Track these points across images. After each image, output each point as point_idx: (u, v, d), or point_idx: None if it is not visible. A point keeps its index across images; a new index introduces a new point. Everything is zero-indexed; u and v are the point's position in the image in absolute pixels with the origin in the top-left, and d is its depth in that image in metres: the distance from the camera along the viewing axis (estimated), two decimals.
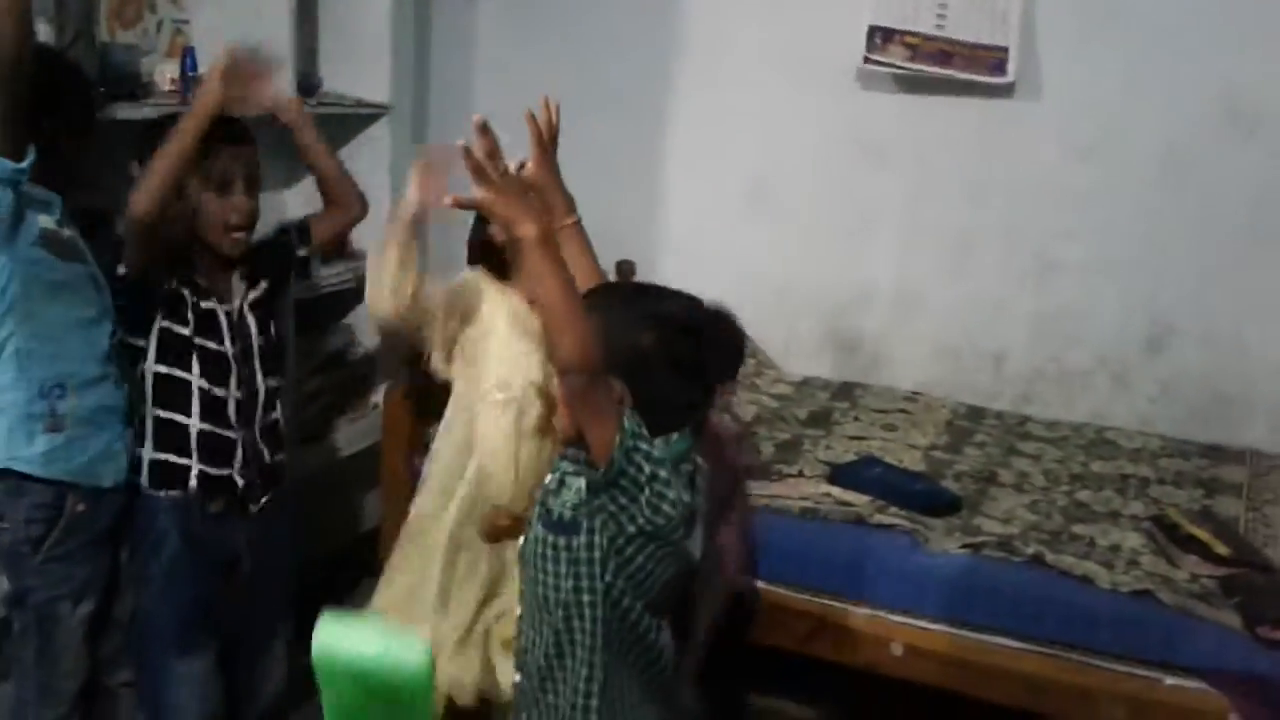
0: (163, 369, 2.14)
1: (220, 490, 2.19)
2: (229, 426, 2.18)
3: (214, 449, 2.17)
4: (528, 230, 1.48)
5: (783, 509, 2.57)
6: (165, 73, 2.56)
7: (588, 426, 1.56)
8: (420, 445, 2.82)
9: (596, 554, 1.62)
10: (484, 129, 1.51)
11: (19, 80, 1.78)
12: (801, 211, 3.64)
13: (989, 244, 3.44)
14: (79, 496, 2.01)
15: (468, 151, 1.46)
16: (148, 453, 2.15)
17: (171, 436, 2.15)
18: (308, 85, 2.97)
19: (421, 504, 2.33)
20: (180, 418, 2.15)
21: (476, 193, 1.47)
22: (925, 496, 2.65)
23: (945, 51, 3.34)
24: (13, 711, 2.08)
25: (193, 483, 2.16)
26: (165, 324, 2.13)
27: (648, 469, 1.55)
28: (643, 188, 3.81)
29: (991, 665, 2.32)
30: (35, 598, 2.01)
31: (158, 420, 2.15)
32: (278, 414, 2.30)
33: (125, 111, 2.35)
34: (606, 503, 1.58)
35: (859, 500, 2.63)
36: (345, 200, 2.39)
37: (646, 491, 1.55)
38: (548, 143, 1.93)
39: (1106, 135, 3.27)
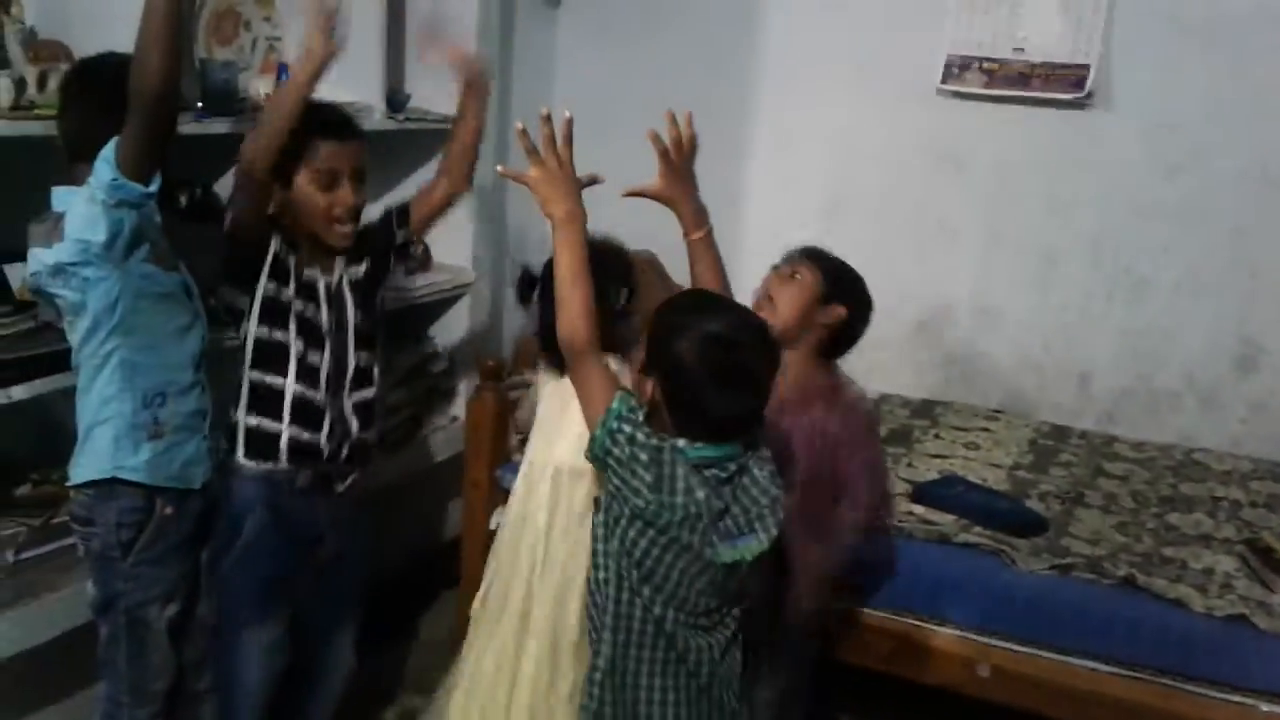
0: (263, 331, 2.13)
1: (307, 459, 2.18)
2: (319, 392, 2.17)
3: (305, 413, 2.17)
4: (557, 209, 1.80)
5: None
6: (260, 89, 2.61)
7: (582, 404, 1.77)
8: (502, 457, 2.84)
9: (602, 531, 1.76)
10: (548, 119, 1.78)
11: (163, 110, 1.82)
12: (880, 225, 3.62)
13: (1073, 259, 3.40)
14: (167, 499, 2.04)
15: (524, 133, 1.80)
16: (242, 417, 2.15)
17: (267, 399, 2.15)
18: (395, 101, 3.00)
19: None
20: (276, 380, 2.15)
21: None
22: (1011, 516, 2.62)
23: (1024, 74, 3.32)
24: (107, 713, 2.11)
25: (283, 451, 2.15)
26: (269, 285, 2.13)
27: (628, 450, 1.63)
28: (721, 201, 3.78)
29: (1082, 689, 2.28)
30: (125, 601, 2.04)
31: (254, 383, 2.15)
32: (371, 393, 2.28)
33: (222, 126, 2.39)
34: (611, 479, 1.67)
35: (943, 519, 2.60)
36: (459, 172, 2.41)
37: (625, 472, 1.67)
38: (681, 156, 1.98)
39: (1195, 152, 3.21)
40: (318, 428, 2.18)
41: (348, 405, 2.23)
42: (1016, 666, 2.34)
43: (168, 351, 2.03)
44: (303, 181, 2.09)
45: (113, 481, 1.99)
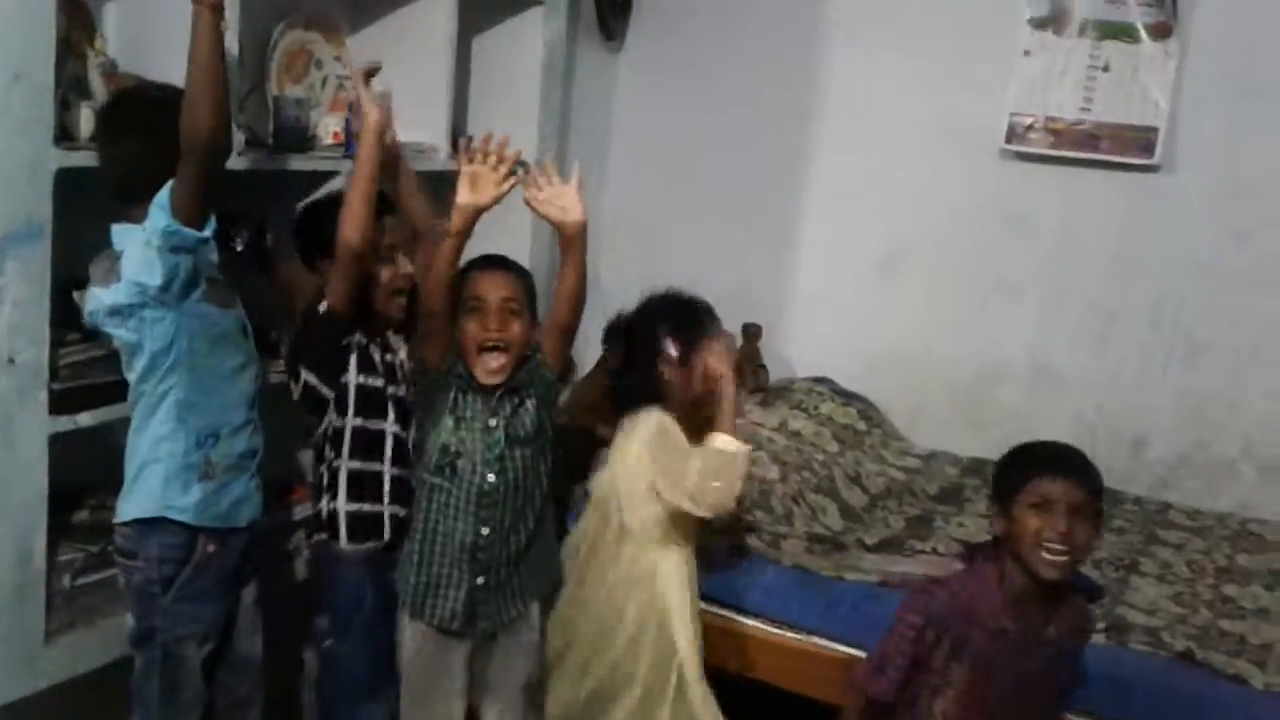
0: (359, 422, 2.24)
1: (404, 533, 2.26)
2: (410, 469, 2.28)
3: (403, 493, 2.27)
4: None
5: None
6: (329, 126, 2.64)
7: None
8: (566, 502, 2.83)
9: None
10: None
11: (215, 157, 1.84)
12: (936, 281, 3.61)
13: (1133, 321, 3.37)
14: (210, 537, 2.04)
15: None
16: (342, 505, 2.24)
17: (367, 485, 2.25)
18: (459, 140, 3.02)
19: None
20: (374, 466, 2.25)
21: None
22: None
23: (1092, 136, 3.31)
24: None
25: (387, 530, 2.26)
26: (360, 379, 2.24)
27: None
28: (774, 251, 3.82)
29: None
30: (162, 636, 2.03)
31: (352, 473, 2.24)
32: None
33: (295, 163, 2.42)
34: None
35: None
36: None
37: None
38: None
39: (1263, 218, 3.19)
40: (408, 504, 2.27)
41: None
42: None
43: (222, 392, 2.04)
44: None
45: (159, 519, 2.00)
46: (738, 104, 3.81)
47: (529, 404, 2.20)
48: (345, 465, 2.24)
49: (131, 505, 2.00)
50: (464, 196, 2.07)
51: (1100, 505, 1.93)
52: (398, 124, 2.40)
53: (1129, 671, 2.30)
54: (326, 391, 2.23)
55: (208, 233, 1.88)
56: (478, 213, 2.08)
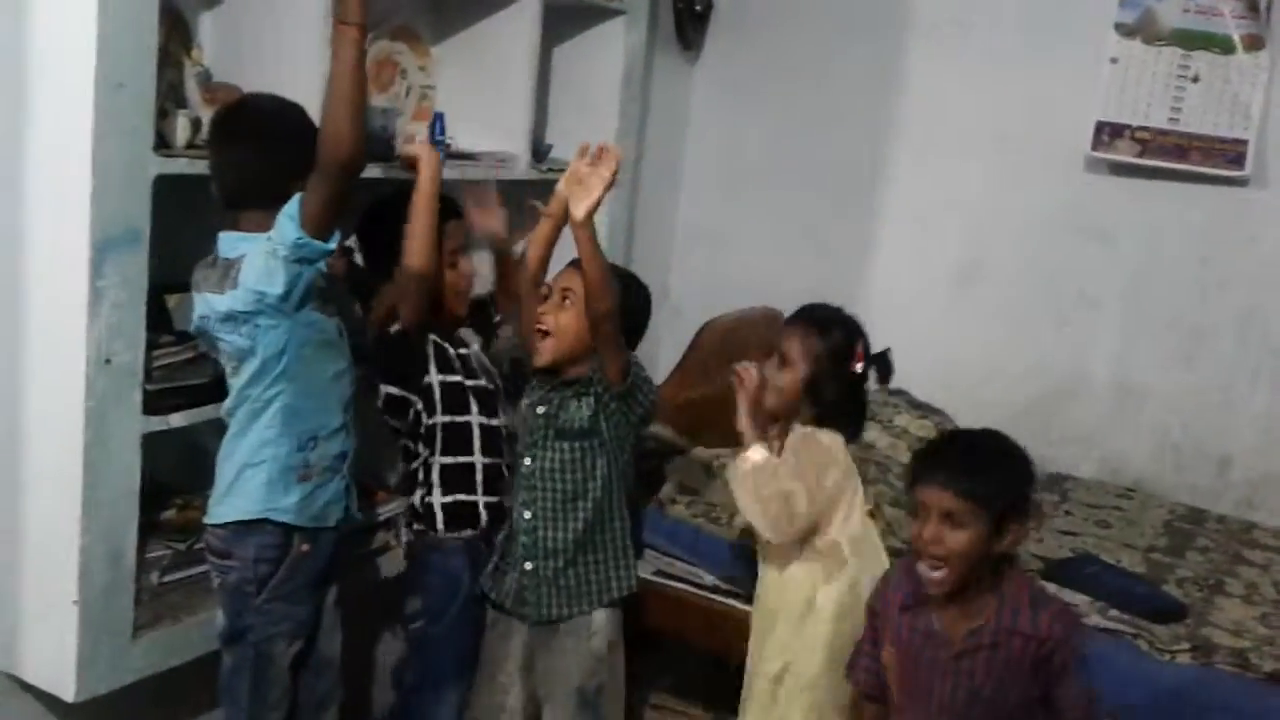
0: (447, 418, 2.34)
1: (502, 520, 2.37)
2: (501, 455, 2.38)
3: (494, 479, 2.37)
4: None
5: None
6: (414, 135, 2.68)
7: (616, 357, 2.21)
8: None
9: None
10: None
11: (352, 173, 1.87)
12: (1015, 294, 3.57)
13: (1220, 338, 3.30)
14: (304, 537, 2.06)
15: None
16: (438, 499, 2.34)
17: (460, 478, 2.34)
18: (538, 151, 3.05)
19: None
20: (466, 458, 2.34)
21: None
22: (1149, 600, 2.54)
23: (1180, 146, 3.25)
24: None
25: (483, 517, 2.35)
26: (441, 378, 2.34)
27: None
28: (849, 263, 3.79)
29: None
30: (254, 635, 2.06)
31: (445, 467, 2.34)
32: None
33: (381, 171, 2.46)
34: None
35: (1078, 599, 2.53)
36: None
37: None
38: None
39: None
40: (507, 489, 2.39)
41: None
42: None
43: (324, 396, 2.07)
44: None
45: (257, 520, 2.03)
46: (814, 114, 3.79)
47: (583, 402, 2.28)
48: (439, 460, 2.34)
49: (229, 508, 2.03)
50: (564, 190, 2.22)
51: (999, 510, 1.83)
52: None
53: (1217, 693, 2.25)
54: (413, 398, 2.32)
55: (333, 244, 1.91)
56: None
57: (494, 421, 2.40)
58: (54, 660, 2.05)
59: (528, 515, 2.32)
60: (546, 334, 2.29)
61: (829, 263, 3.80)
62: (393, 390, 2.32)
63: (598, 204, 2.16)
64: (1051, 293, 3.51)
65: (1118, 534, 3.00)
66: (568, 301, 2.27)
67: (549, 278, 2.37)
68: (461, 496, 2.35)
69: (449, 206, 2.36)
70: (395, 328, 2.26)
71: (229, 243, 1.97)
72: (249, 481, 2.01)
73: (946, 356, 3.58)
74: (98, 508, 1.99)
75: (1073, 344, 3.49)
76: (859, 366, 2.26)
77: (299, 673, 2.17)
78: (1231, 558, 2.93)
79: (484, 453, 2.36)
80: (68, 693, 2.05)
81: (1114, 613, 2.48)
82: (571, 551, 2.31)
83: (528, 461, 2.32)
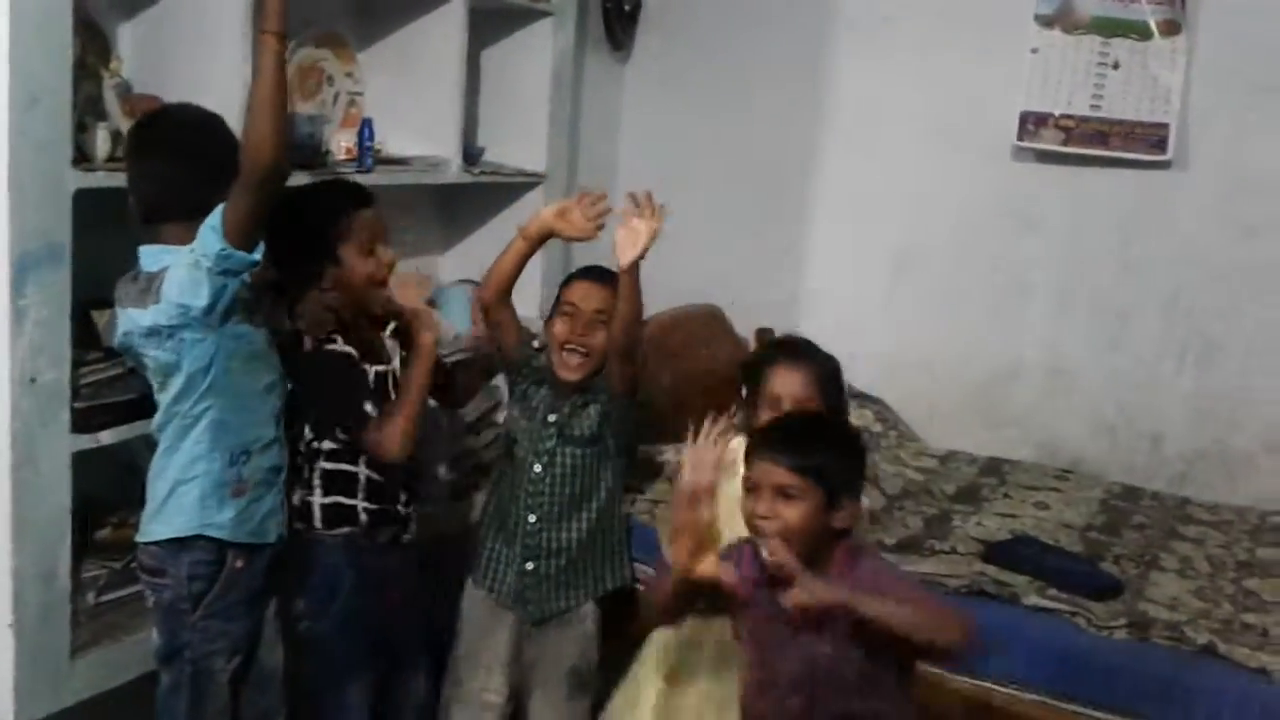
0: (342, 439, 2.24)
1: (385, 523, 2.29)
2: (394, 473, 2.27)
3: (379, 492, 2.27)
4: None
5: (938, 586, 2.52)
6: (341, 142, 2.66)
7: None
8: None
9: None
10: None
11: (274, 187, 1.84)
12: (948, 282, 3.62)
13: (1147, 319, 3.37)
14: (238, 553, 2.04)
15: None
16: (318, 499, 2.24)
17: (342, 483, 2.25)
18: (470, 154, 3.05)
19: None
20: (350, 468, 2.24)
21: None
22: (1086, 578, 2.58)
23: (1102, 132, 3.31)
24: None
25: (362, 519, 2.26)
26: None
27: None
28: (786, 257, 3.83)
29: None
30: (191, 653, 2.03)
31: (326, 472, 2.24)
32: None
33: (306, 178, 2.44)
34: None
35: (1016, 580, 2.57)
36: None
37: None
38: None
39: (1273, 215, 3.19)
40: (393, 502, 2.30)
41: (413, 473, 2.37)
42: None
43: (255, 410, 2.04)
44: (348, 253, 2.20)
45: (191, 537, 2.00)
46: (745, 110, 3.82)
47: (591, 410, 2.38)
48: (320, 466, 2.24)
49: (162, 525, 2.00)
50: (548, 219, 2.34)
51: (831, 486, 1.81)
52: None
53: (1152, 666, 2.29)
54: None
55: (258, 255, 1.88)
56: (551, 235, 2.34)
57: None
58: None
59: (532, 519, 2.39)
60: (584, 354, 2.35)
61: (767, 256, 3.84)
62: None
63: (644, 254, 2.23)
64: (985, 280, 3.57)
65: (1055, 514, 3.04)
66: (601, 323, 2.34)
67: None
68: (342, 499, 2.25)
69: (362, 196, 2.26)
70: (332, 348, 2.20)
71: (150, 256, 1.94)
72: (182, 498, 1.99)
73: (884, 345, 3.62)
74: (28, 528, 1.97)
75: (1006, 330, 3.55)
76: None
77: (240, 688, 2.15)
78: (1167, 533, 2.98)
79: (368, 465, 2.25)
80: (6, 717, 2.01)
81: (1052, 592, 2.51)
82: (574, 551, 2.41)
83: (537, 468, 2.38)
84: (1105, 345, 3.42)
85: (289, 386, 2.14)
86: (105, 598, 2.25)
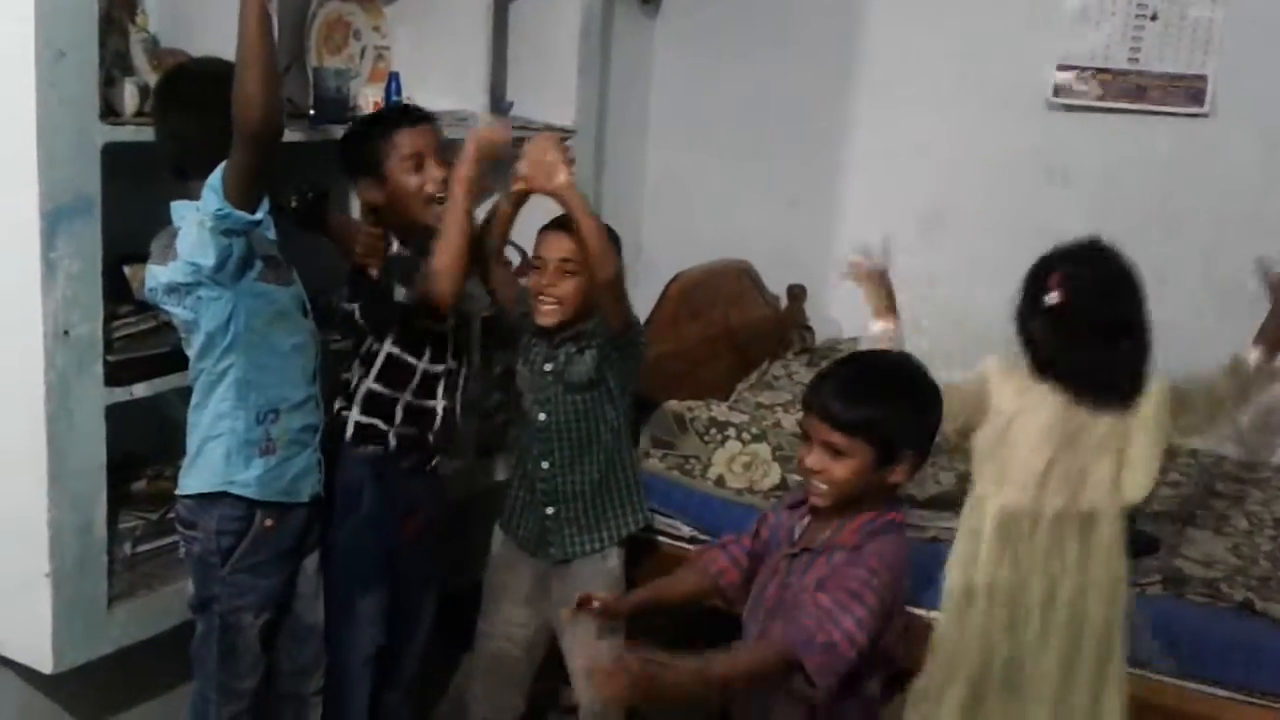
0: (395, 350, 2.30)
1: (413, 449, 2.35)
2: (435, 398, 2.35)
3: (415, 418, 2.33)
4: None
5: None
6: (369, 97, 2.64)
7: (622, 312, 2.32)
8: None
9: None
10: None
11: (267, 139, 1.80)
12: (982, 236, 3.56)
13: (1184, 273, 3.31)
14: (268, 513, 2.06)
15: None
16: (354, 414, 2.31)
17: (381, 406, 2.31)
18: (498, 107, 3.03)
19: None
20: (393, 392, 2.31)
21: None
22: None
23: (1140, 85, 3.26)
24: (195, 706, 2.16)
25: (392, 442, 2.32)
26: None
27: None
28: (818, 210, 3.79)
29: (1201, 713, 2.23)
30: (220, 606, 2.07)
31: (371, 392, 2.31)
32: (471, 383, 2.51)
33: (337, 134, 2.43)
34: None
35: None
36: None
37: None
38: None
39: None
40: (427, 428, 2.36)
41: (459, 402, 2.43)
42: (1130, 689, 2.27)
43: (282, 369, 2.05)
44: (394, 170, 2.27)
45: (219, 493, 2.02)
46: (776, 65, 3.77)
47: (587, 355, 2.39)
48: (366, 386, 2.31)
49: (193, 479, 2.03)
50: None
51: (885, 439, 1.78)
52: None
53: (1188, 623, 2.29)
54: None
55: (260, 215, 1.86)
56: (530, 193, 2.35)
57: (439, 367, 2.35)
58: (30, 633, 2.06)
59: (545, 465, 2.45)
60: (555, 302, 2.37)
61: (799, 211, 3.81)
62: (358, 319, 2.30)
63: (569, 176, 2.24)
64: (1017, 234, 3.50)
65: None
66: (568, 271, 2.35)
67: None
68: (377, 423, 2.30)
69: (408, 115, 2.33)
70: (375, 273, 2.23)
71: (177, 211, 1.95)
72: (210, 454, 2.01)
73: (916, 300, 3.57)
74: (65, 480, 1.99)
75: None
76: (1053, 298, 2.11)
77: (277, 641, 2.18)
78: (1203, 490, 2.96)
79: (414, 394, 2.32)
80: (45, 665, 2.06)
81: None
82: (590, 494, 2.47)
83: (542, 416, 2.44)
84: None
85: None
86: (142, 548, 2.27)
